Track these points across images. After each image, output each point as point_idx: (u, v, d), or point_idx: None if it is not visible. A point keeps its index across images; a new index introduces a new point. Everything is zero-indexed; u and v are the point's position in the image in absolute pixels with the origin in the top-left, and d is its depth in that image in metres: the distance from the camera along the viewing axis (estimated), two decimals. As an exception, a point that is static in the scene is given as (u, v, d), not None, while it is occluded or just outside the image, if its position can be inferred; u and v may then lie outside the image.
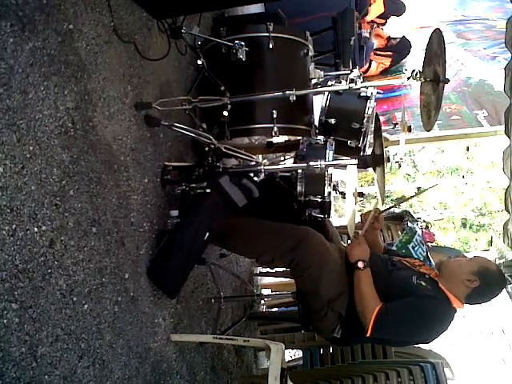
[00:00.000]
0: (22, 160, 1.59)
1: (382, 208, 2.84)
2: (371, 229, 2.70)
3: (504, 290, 2.43)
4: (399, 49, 6.21)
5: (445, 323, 2.31)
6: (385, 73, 6.23)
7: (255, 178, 2.62)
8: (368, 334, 2.24)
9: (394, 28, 6.51)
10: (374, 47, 6.10)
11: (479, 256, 2.49)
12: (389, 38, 6.31)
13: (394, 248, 3.79)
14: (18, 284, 1.52)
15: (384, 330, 2.27)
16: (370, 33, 5.78)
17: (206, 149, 2.66)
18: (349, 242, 4.14)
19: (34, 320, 1.57)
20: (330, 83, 3.10)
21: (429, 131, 2.60)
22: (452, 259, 2.50)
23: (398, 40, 6.29)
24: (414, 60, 6.06)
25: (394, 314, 2.24)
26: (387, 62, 6.22)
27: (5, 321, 1.46)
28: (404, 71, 2.46)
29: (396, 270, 2.45)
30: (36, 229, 1.62)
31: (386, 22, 6.25)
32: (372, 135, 2.96)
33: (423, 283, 2.35)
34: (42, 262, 1.63)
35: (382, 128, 2.74)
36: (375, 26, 6.04)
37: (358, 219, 2.91)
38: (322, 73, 3.17)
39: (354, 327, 2.36)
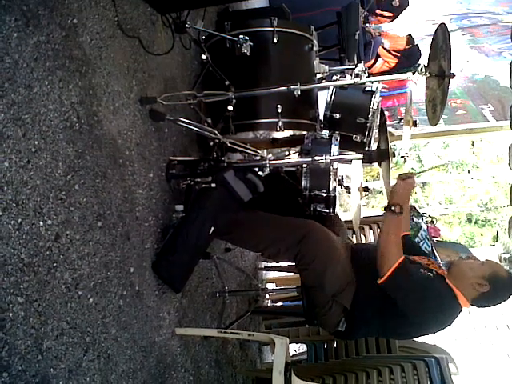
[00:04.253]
0: (28, 154, 1.59)
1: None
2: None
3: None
4: (408, 54, 6.14)
5: (450, 314, 2.30)
6: (388, 73, 6.18)
7: (260, 173, 2.62)
8: (381, 281, 2.21)
9: (399, 21, 6.45)
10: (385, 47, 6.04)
11: (491, 261, 2.45)
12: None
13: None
14: (24, 278, 1.53)
15: (396, 285, 2.23)
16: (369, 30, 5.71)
17: (211, 143, 2.66)
18: (354, 236, 4.14)
19: (40, 314, 1.58)
20: (334, 78, 3.09)
21: (434, 126, 2.59)
22: (464, 260, 2.48)
23: (411, 46, 6.22)
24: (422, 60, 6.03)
25: (411, 276, 2.24)
26: (393, 62, 6.17)
27: (11, 314, 1.47)
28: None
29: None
30: (41, 223, 1.62)
31: (395, 16, 6.16)
32: (377, 130, 2.96)
33: (431, 275, 2.35)
34: (47, 256, 1.63)
35: (387, 123, 2.74)
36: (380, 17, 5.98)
37: (363, 214, 2.89)
38: (326, 67, 3.15)
39: (358, 320, 2.36)
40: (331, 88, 3.11)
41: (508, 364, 6.07)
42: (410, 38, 6.21)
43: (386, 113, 5.36)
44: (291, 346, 4.46)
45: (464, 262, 2.44)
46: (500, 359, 6.14)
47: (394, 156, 2.55)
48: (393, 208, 2.28)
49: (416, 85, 2.59)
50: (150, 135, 2.45)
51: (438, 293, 2.28)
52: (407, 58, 6.11)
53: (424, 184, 14.13)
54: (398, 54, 6.10)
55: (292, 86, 2.50)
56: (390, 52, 6.08)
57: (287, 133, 2.91)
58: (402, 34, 6.33)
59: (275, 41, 2.74)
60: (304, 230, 2.46)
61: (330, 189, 2.69)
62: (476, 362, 5.77)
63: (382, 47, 6.01)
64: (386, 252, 2.24)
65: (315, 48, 3.02)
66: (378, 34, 5.78)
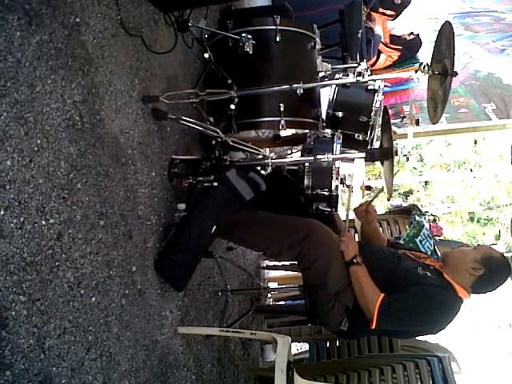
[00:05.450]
0: (30, 153, 1.59)
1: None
2: (367, 221, 2.75)
3: (511, 281, 2.42)
4: (410, 45, 6.16)
5: (451, 313, 2.30)
6: (392, 67, 6.19)
7: (262, 172, 2.62)
8: (373, 326, 2.24)
9: (402, 19, 6.45)
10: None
11: (482, 245, 2.48)
12: (392, 36, 6.24)
13: (402, 242, 3.78)
14: (26, 277, 1.53)
15: (388, 321, 2.26)
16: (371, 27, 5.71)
17: (213, 142, 2.67)
18: (356, 235, 4.14)
19: (42, 312, 1.58)
20: (337, 76, 3.09)
21: (435, 124, 2.59)
22: (456, 249, 2.50)
23: (412, 37, 6.23)
24: (423, 52, 6.03)
25: (397, 304, 2.24)
26: (395, 55, 6.18)
27: (13, 313, 1.47)
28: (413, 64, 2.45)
29: (401, 261, 2.45)
30: (44, 222, 1.62)
31: (397, 14, 6.17)
32: (379, 128, 2.95)
33: (428, 273, 2.35)
34: (49, 255, 1.63)
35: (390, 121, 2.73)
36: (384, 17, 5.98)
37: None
38: (329, 66, 3.15)
39: (360, 319, 2.36)
40: (334, 86, 3.11)
41: (510, 363, 6.06)
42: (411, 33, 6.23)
43: (389, 111, 5.36)
44: (293, 344, 4.46)
45: (456, 251, 2.48)
46: (502, 358, 6.13)
47: (397, 155, 2.54)
48: (355, 261, 2.36)
49: (419, 81, 2.59)
50: (153, 134, 2.45)
51: (435, 297, 2.28)
52: (409, 50, 6.14)
53: (426, 183, 14.14)
54: (400, 47, 6.11)
55: (294, 85, 2.49)
56: (389, 46, 6.10)
57: (289, 131, 2.91)
58: (404, 32, 6.34)
59: (278, 39, 2.75)
60: (306, 229, 2.46)
61: (333, 187, 2.68)
62: (478, 360, 5.77)
63: (382, 43, 6.03)
64: (365, 298, 2.28)
65: (318, 46, 3.02)
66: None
